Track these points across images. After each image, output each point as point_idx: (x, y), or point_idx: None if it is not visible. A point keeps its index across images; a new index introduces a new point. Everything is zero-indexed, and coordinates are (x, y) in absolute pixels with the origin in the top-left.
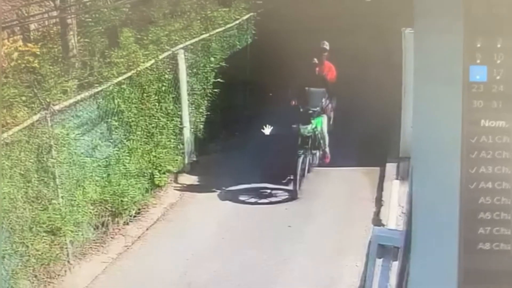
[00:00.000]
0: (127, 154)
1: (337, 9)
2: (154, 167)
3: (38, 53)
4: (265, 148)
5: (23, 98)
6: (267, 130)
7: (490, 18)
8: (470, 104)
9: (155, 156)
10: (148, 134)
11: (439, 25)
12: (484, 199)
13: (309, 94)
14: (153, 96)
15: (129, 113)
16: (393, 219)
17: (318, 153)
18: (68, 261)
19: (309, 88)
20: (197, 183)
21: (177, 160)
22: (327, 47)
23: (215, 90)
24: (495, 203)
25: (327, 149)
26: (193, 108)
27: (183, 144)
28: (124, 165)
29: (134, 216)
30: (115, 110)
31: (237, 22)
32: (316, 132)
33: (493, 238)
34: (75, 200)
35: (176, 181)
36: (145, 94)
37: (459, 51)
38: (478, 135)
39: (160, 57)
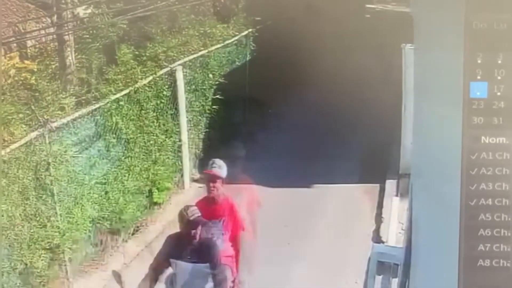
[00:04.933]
0: (125, 172)
1: (337, 25)
2: (153, 184)
3: (35, 70)
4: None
5: (21, 115)
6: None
7: (491, 33)
8: (470, 121)
9: (153, 173)
10: (146, 151)
11: (440, 41)
12: (484, 216)
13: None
14: (151, 113)
15: (127, 130)
16: (393, 236)
17: None
18: (67, 279)
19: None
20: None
21: (175, 177)
22: (221, 172)
23: (214, 106)
24: (495, 220)
25: None
26: (192, 125)
27: (181, 161)
28: (122, 183)
29: (133, 234)
30: (113, 127)
31: (236, 38)
32: None
33: (493, 255)
34: (73, 218)
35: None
36: (143, 111)
37: (459, 67)
38: (478, 152)
39: (158, 73)
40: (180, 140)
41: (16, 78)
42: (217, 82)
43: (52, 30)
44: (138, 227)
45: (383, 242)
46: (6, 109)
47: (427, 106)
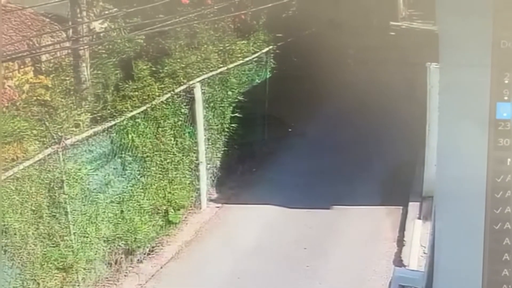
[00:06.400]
0: (141, 190)
1: (360, 42)
2: (169, 204)
3: (50, 85)
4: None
5: (34, 131)
6: None
7: None
8: (496, 142)
9: (170, 193)
10: (162, 170)
11: (466, 59)
12: (509, 240)
13: None
14: (169, 131)
15: (144, 148)
16: (415, 259)
17: None
18: None
19: None
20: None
21: (192, 196)
22: None
23: (233, 125)
24: None
25: None
26: (210, 144)
27: (198, 181)
28: (138, 202)
29: (148, 254)
30: (129, 145)
31: (256, 55)
32: None
33: None
34: (87, 237)
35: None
36: (160, 129)
37: (486, 87)
38: (504, 174)
39: (176, 90)
40: (197, 159)
41: (30, 94)
42: (236, 100)
43: (67, 44)
44: (153, 247)
45: (404, 266)
46: (20, 125)
47: (451, 126)
